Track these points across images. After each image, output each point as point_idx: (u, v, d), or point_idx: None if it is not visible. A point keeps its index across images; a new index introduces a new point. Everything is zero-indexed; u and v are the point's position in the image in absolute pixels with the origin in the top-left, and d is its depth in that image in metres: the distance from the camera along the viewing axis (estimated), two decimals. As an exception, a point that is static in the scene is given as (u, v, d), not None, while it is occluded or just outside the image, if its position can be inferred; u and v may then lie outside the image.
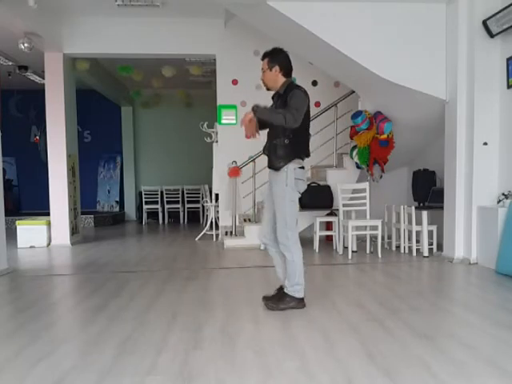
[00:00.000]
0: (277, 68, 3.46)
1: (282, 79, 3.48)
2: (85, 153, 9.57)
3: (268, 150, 3.51)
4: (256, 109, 3.30)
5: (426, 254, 5.71)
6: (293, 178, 3.38)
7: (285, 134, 3.36)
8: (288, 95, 3.36)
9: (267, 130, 3.52)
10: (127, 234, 9.30)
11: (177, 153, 11.74)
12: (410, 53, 5.35)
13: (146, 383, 2.27)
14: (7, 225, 5.65)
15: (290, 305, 3.46)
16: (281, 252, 3.52)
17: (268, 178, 3.61)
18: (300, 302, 3.49)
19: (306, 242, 6.73)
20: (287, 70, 3.50)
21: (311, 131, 7.64)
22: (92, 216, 10.32)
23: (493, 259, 4.79)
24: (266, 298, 3.58)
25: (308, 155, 3.53)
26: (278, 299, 3.50)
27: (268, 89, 3.58)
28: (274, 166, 3.44)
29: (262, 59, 3.54)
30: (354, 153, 6.56)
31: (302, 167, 3.48)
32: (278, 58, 3.49)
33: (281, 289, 3.57)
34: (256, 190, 6.77)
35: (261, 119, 3.35)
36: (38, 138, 11.45)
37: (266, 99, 7.97)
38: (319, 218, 6.34)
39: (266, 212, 3.62)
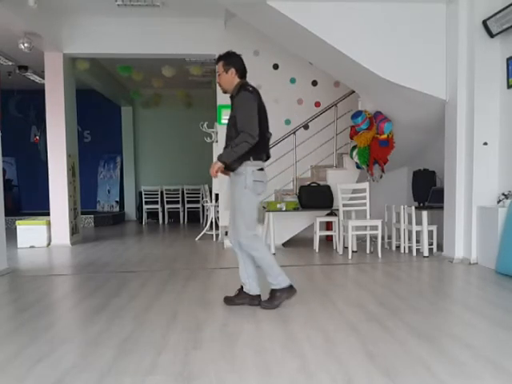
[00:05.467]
0: (233, 70, 3.50)
1: (237, 81, 3.52)
2: (85, 153, 9.58)
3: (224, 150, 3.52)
4: (223, 158, 3.36)
5: (426, 253, 5.71)
6: (251, 181, 3.40)
7: (237, 135, 3.37)
8: (235, 100, 3.43)
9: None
10: (127, 234, 9.30)
11: (177, 153, 11.74)
12: (409, 53, 5.35)
13: (146, 383, 2.27)
14: (7, 225, 5.65)
15: (282, 297, 3.49)
16: (244, 253, 3.56)
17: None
18: (290, 290, 3.50)
19: (306, 241, 6.76)
20: (242, 71, 3.54)
21: (311, 131, 7.68)
22: (92, 216, 10.32)
23: (493, 259, 4.79)
24: (227, 299, 3.63)
25: (268, 155, 3.56)
26: (270, 298, 3.52)
27: (225, 91, 3.61)
28: (230, 167, 3.46)
29: (217, 63, 3.56)
30: (354, 153, 6.56)
31: (262, 169, 3.50)
32: (233, 60, 3.52)
33: (241, 289, 3.63)
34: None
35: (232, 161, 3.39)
36: (37, 137, 11.45)
37: (265, 99, 7.99)
38: (319, 217, 6.34)
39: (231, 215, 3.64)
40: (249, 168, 3.41)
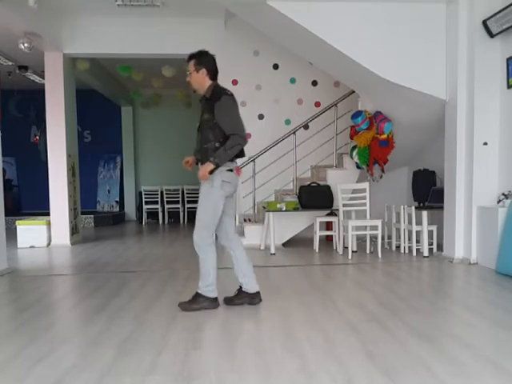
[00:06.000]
0: (204, 71, 3.47)
1: (208, 82, 3.50)
2: (85, 153, 9.57)
3: (200, 154, 3.52)
4: (216, 160, 3.34)
5: (426, 254, 5.71)
6: (219, 180, 3.41)
7: (216, 137, 3.40)
8: (215, 103, 3.37)
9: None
10: (127, 234, 9.30)
11: (177, 153, 11.68)
12: (409, 53, 5.35)
13: (146, 383, 2.27)
14: (7, 225, 5.65)
15: (202, 305, 3.48)
16: (237, 252, 3.61)
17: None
18: (213, 302, 3.52)
19: (306, 241, 6.76)
20: (214, 72, 3.52)
21: (311, 131, 7.68)
22: (92, 216, 10.32)
23: (493, 259, 4.79)
24: (227, 299, 3.63)
25: (242, 155, 3.56)
26: (191, 300, 3.52)
27: (194, 91, 3.61)
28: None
29: (188, 61, 3.53)
30: (354, 153, 6.56)
31: (231, 170, 3.48)
32: (205, 60, 3.50)
33: (240, 288, 3.63)
34: (256, 189, 6.78)
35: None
36: (38, 137, 11.45)
37: (265, 99, 8.00)
38: (319, 217, 6.34)
39: None
40: (218, 168, 3.40)
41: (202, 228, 3.49)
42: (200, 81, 3.50)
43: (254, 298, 3.60)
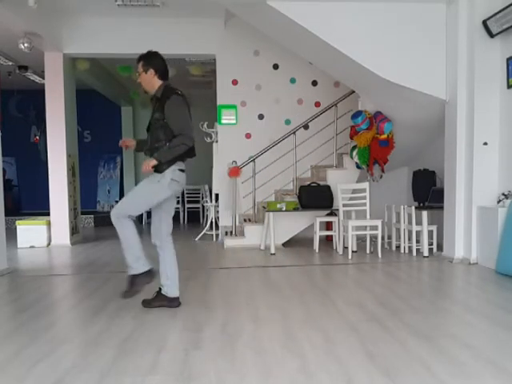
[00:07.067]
0: (152, 71, 3.50)
1: (158, 82, 3.52)
2: (85, 153, 9.57)
3: (150, 152, 3.49)
4: (159, 157, 3.35)
5: (426, 253, 5.70)
6: (169, 178, 3.40)
7: (166, 136, 3.39)
8: (166, 103, 3.39)
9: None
10: (127, 234, 9.28)
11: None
12: (410, 53, 5.35)
13: (146, 383, 2.27)
14: (7, 225, 5.64)
15: (143, 283, 3.44)
16: (165, 253, 3.57)
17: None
18: (149, 274, 3.46)
19: (306, 241, 6.76)
20: (162, 72, 3.54)
21: (311, 131, 7.68)
22: (92, 216, 10.32)
23: (493, 259, 4.79)
24: (145, 302, 3.59)
25: (192, 156, 3.60)
26: (129, 285, 3.45)
27: (145, 91, 3.62)
28: (157, 169, 3.42)
29: (137, 62, 3.57)
30: (354, 153, 6.56)
31: (183, 170, 3.50)
32: (152, 61, 3.53)
33: (159, 291, 3.59)
34: (256, 189, 6.78)
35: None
36: (37, 137, 11.45)
37: (265, 99, 7.99)
38: (319, 217, 6.34)
39: (154, 215, 3.68)
40: (171, 167, 3.40)
41: (122, 207, 3.48)
42: (149, 81, 3.52)
43: (172, 302, 3.55)
